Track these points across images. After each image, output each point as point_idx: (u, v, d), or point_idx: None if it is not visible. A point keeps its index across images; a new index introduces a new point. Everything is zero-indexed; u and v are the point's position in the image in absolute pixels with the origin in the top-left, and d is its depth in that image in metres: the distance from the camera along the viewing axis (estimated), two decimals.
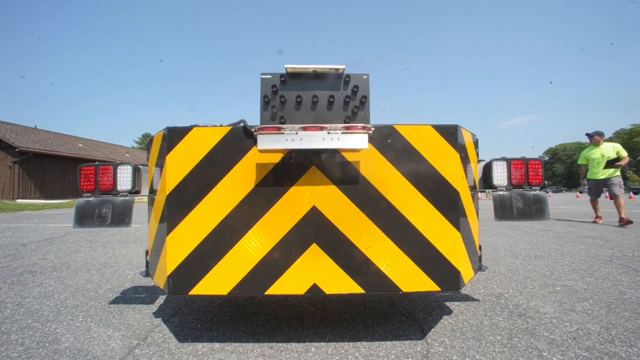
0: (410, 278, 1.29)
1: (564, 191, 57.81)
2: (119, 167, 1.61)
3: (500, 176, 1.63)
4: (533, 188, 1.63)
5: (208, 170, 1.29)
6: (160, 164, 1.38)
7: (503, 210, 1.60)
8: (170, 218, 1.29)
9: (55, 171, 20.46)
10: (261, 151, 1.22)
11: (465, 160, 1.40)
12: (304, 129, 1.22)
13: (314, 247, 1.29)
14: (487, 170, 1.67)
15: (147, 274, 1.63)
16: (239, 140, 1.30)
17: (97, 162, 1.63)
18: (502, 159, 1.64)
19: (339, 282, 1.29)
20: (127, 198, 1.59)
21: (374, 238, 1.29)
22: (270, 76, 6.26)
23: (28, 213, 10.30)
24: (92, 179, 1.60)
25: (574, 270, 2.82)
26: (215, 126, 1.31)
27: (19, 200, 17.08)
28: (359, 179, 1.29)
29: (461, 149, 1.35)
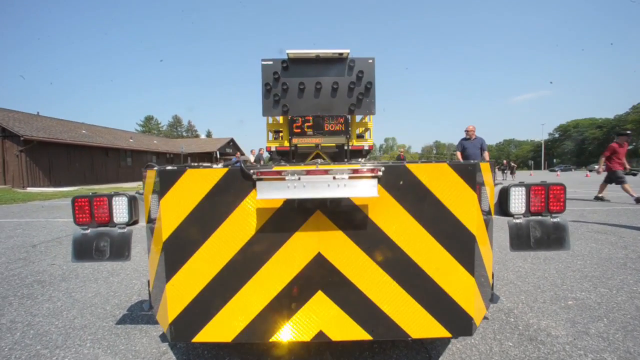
0: (419, 324, 1.23)
1: (572, 170, 56.66)
2: (114, 199, 1.53)
3: (517, 204, 1.51)
4: (553, 215, 1.52)
5: (205, 216, 1.20)
6: (156, 192, 1.29)
7: (519, 240, 1.50)
8: (168, 265, 1.23)
9: (62, 158, 20.62)
10: (261, 200, 1.12)
11: (482, 191, 1.29)
12: (307, 172, 1.11)
13: (320, 295, 1.23)
14: (504, 195, 1.55)
15: (151, 306, 1.60)
16: (236, 182, 1.20)
17: (91, 194, 1.55)
18: (521, 184, 1.51)
19: (345, 329, 1.23)
20: (125, 231, 1.53)
21: (383, 284, 1.22)
22: (271, 62, 5.91)
23: (38, 204, 10.48)
24: (87, 211, 1.53)
25: (586, 277, 2.75)
26: (210, 167, 1.20)
27: (29, 189, 17.39)
28: (367, 223, 1.20)
29: (479, 188, 1.23)
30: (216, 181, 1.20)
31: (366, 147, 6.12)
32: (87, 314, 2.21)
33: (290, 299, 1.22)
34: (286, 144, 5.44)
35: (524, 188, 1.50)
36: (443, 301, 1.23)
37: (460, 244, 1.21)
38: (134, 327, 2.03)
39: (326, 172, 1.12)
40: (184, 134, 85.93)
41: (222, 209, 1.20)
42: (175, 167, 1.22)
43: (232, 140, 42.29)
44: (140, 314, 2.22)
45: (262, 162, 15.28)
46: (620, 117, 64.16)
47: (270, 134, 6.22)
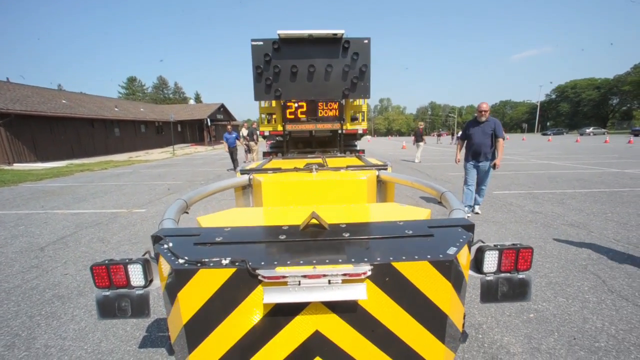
0: None
1: (564, 133, 57.11)
2: (129, 266, 1.69)
3: (490, 265, 1.73)
4: (520, 273, 1.75)
5: (218, 306, 1.39)
6: (170, 283, 1.46)
7: (488, 294, 1.75)
8: (189, 341, 1.45)
9: (45, 131, 19.84)
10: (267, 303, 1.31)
11: (459, 270, 1.49)
12: (305, 276, 1.29)
13: (318, 359, 1.49)
14: (479, 255, 1.76)
15: (172, 350, 1.85)
16: (244, 279, 1.37)
17: (106, 261, 1.70)
18: (495, 248, 1.71)
19: None
20: (142, 292, 1.71)
21: (371, 352, 1.48)
22: (261, 43, 5.67)
23: (30, 187, 10.43)
24: (105, 277, 1.69)
25: (550, 284, 3.13)
26: (221, 267, 1.36)
27: (15, 165, 17.01)
28: (357, 309, 1.41)
29: (455, 276, 1.43)
30: (226, 278, 1.37)
31: (360, 131, 6.13)
32: (111, 336, 2.50)
33: None
34: (280, 128, 5.40)
35: (497, 252, 1.71)
36: None
37: (435, 321, 1.45)
38: (155, 350, 2.33)
39: (323, 275, 1.29)
40: (171, 96, 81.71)
41: (232, 301, 1.39)
42: (188, 267, 1.37)
43: (222, 105, 40.68)
44: (159, 334, 2.52)
45: (255, 137, 15.02)
46: (620, 78, 62.96)
47: (264, 116, 6.09)
